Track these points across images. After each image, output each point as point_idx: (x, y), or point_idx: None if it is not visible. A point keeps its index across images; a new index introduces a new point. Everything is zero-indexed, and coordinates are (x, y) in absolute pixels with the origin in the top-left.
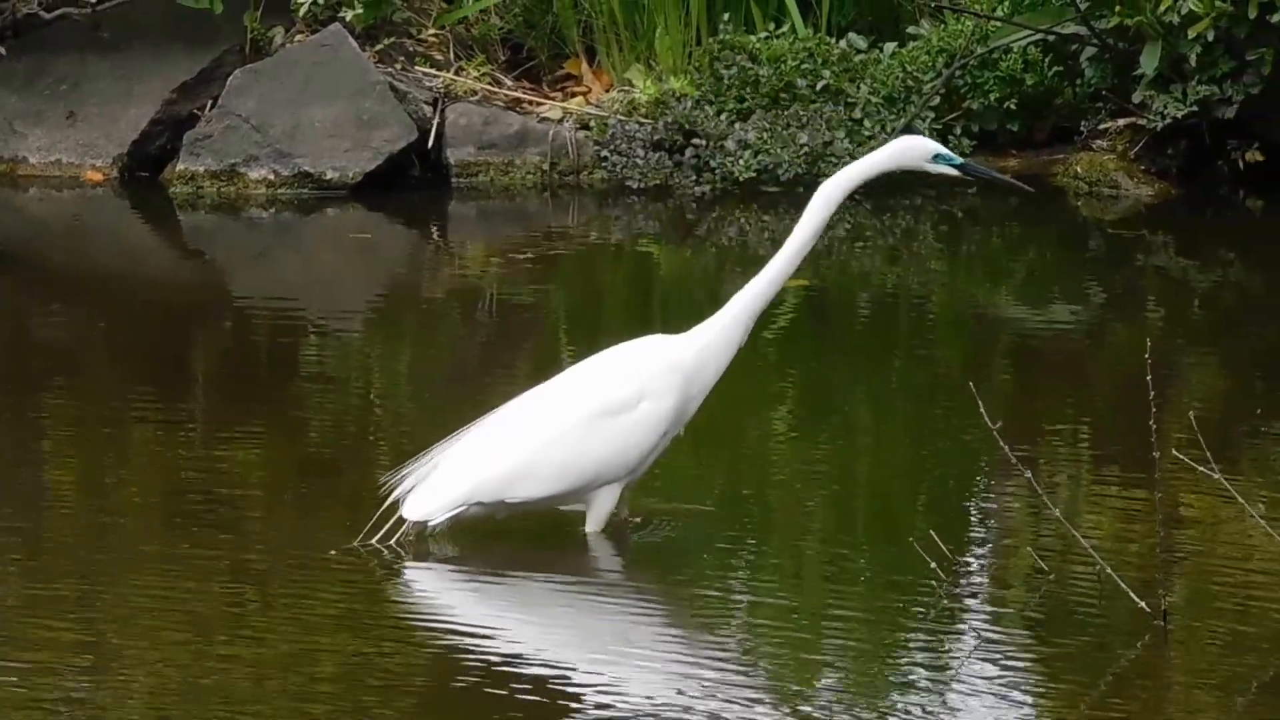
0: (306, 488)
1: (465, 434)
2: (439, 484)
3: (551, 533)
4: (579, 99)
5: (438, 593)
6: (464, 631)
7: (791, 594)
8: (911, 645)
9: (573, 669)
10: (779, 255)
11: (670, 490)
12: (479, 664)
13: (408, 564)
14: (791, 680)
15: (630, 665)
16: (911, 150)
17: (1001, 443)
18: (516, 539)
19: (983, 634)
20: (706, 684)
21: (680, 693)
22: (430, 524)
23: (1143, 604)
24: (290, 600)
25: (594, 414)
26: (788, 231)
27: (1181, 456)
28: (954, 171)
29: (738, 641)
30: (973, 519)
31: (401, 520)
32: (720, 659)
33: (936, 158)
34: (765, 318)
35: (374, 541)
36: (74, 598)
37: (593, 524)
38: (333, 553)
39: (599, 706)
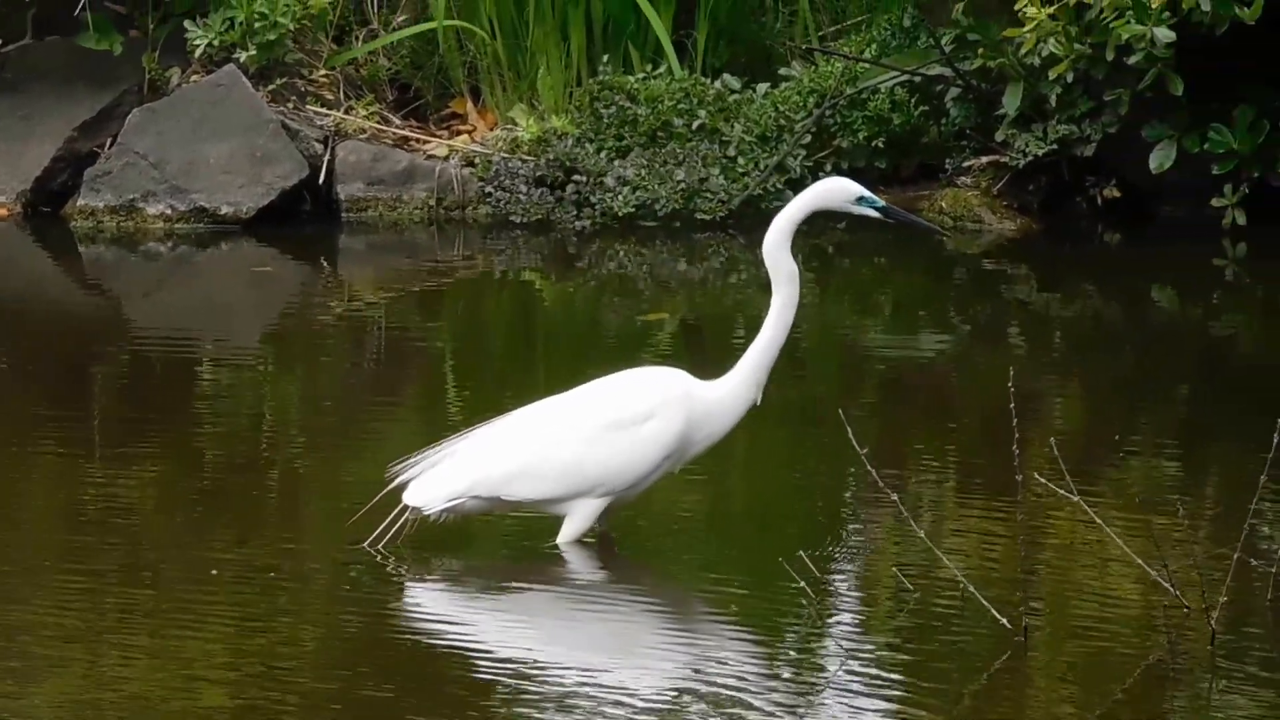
0: (200, 506)
1: (475, 431)
2: (441, 475)
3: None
4: (464, 137)
5: (423, 597)
6: (440, 632)
7: (665, 612)
8: (781, 661)
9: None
10: (770, 314)
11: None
12: (454, 655)
13: (400, 570)
14: (667, 692)
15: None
16: (835, 192)
17: (870, 467)
18: (471, 548)
19: (850, 650)
20: (588, 691)
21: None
22: (427, 512)
23: (1004, 621)
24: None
25: (600, 425)
26: (665, 265)
27: (1042, 480)
28: (875, 214)
29: (617, 658)
30: (842, 540)
31: (404, 508)
32: (601, 671)
33: (860, 200)
34: (645, 349)
35: (366, 544)
36: None
37: (566, 535)
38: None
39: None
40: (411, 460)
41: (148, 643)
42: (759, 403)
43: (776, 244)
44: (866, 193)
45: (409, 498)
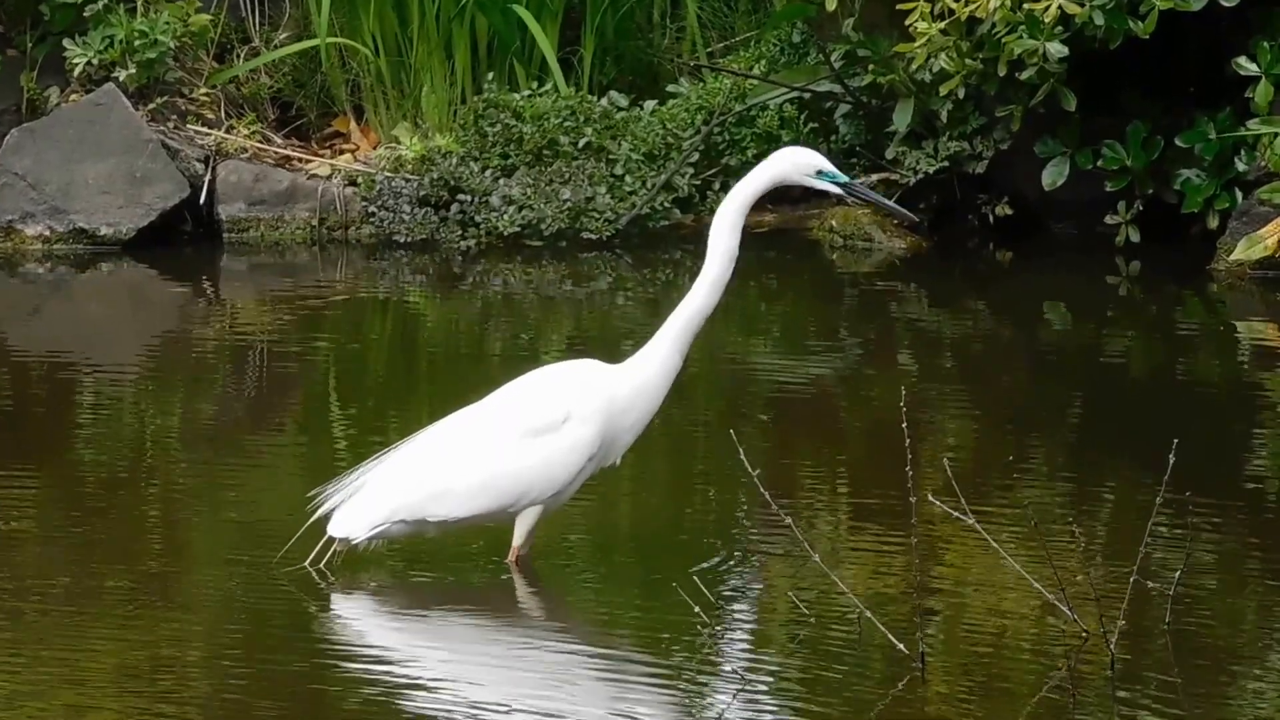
0: (84, 529)
1: (392, 452)
2: (363, 502)
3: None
4: (347, 156)
5: (352, 621)
6: (367, 657)
7: (556, 638)
8: (677, 687)
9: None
10: (699, 285)
11: (439, 543)
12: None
13: (331, 590)
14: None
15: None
16: (794, 165)
17: (762, 489)
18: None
19: (745, 676)
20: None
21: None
22: (354, 541)
23: (900, 645)
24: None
25: (517, 433)
26: (551, 285)
27: (936, 502)
28: (836, 189)
29: (503, 686)
30: (735, 564)
31: (330, 539)
32: (486, 698)
33: (820, 174)
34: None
35: (307, 564)
36: None
37: (517, 545)
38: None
39: None
40: (332, 489)
41: (34, 666)
42: (679, 368)
43: (728, 222)
44: (828, 166)
45: (334, 529)
